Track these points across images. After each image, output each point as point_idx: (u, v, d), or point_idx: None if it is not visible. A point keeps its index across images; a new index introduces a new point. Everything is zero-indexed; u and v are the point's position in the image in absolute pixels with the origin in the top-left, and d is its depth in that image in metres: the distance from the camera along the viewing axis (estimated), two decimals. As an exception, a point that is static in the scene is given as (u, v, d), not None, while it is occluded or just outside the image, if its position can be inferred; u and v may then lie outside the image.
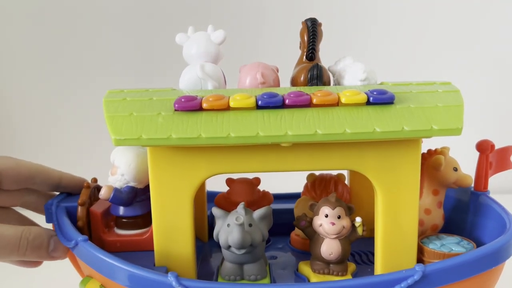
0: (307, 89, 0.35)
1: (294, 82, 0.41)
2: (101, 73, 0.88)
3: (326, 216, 0.36)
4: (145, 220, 0.39)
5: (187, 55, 0.41)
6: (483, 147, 0.41)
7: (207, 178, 0.34)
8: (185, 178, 0.34)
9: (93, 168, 0.67)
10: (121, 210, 0.39)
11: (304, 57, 0.42)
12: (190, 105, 0.33)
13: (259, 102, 0.33)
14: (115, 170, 0.38)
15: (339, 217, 0.36)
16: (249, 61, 0.41)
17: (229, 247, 0.34)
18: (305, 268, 0.38)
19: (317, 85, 0.38)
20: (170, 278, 0.30)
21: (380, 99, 0.33)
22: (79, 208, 0.38)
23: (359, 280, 0.32)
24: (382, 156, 0.34)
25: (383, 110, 0.33)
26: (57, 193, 0.41)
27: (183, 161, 0.33)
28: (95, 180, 0.41)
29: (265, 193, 0.45)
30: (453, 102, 0.34)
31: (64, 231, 0.35)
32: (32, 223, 0.40)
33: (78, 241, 0.33)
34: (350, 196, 0.45)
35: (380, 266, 0.35)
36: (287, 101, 0.33)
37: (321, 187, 0.44)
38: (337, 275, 0.36)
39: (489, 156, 0.42)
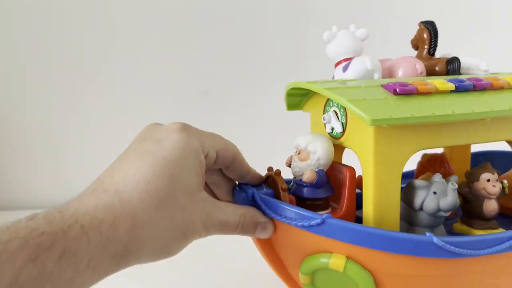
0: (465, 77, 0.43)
1: (428, 72, 0.48)
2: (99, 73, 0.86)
3: (488, 180, 0.43)
4: (325, 202, 0.42)
5: (335, 51, 0.46)
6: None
7: (417, 152, 0.39)
8: (400, 152, 0.38)
9: (93, 167, 0.72)
10: (307, 193, 0.41)
11: (425, 52, 0.49)
12: (409, 89, 0.38)
13: (457, 86, 0.39)
14: (307, 155, 0.41)
15: (496, 180, 0.44)
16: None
17: (438, 211, 0.39)
18: (462, 228, 0.45)
19: (458, 74, 0.46)
20: (432, 238, 0.34)
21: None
22: (283, 193, 0.39)
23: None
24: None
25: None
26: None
27: (400, 137, 0.38)
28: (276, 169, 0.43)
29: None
30: None
31: (292, 213, 0.37)
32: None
33: (324, 218, 0.35)
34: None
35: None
36: (475, 85, 0.40)
37: (437, 164, 0.52)
38: (495, 228, 0.44)
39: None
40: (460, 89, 0.39)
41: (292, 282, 0.43)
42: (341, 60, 0.46)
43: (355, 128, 0.40)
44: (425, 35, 0.49)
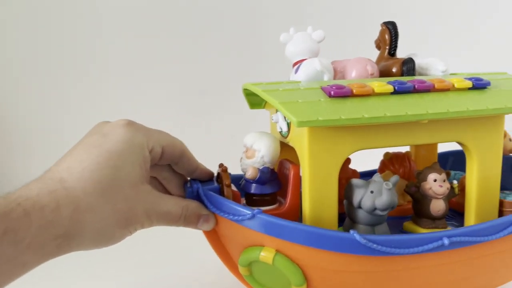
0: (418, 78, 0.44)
1: (385, 73, 0.48)
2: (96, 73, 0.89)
3: (435, 180, 0.44)
4: (273, 198, 0.44)
5: (292, 52, 0.47)
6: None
7: (353, 152, 0.40)
8: (335, 152, 0.40)
9: None
10: (254, 189, 0.43)
11: (386, 53, 0.50)
12: (344, 92, 0.39)
13: (396, 88, 0.40)
14: (252, 153, 0.43)
15: (443, 181, 0.44)
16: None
17: (374, 210, 0.40)
18: (411, 227, 0.46)
19: (412, 75, 0.47)
20: (354, 235, 0.36)
21: (481, 84, 0.42)
22: (226, 189, 0.42)
23: (483, 225, 0.40)
24: (480, 129, 0.43)
25: (484, 93, 0.42)
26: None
27: (334, 138, 0.39)
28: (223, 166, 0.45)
29: (354, 171, 0.52)
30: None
31: (229, 208, 0.39)
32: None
33: (255, 213, 0.37)
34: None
35: (473, 218, 0.45)
36: (416, 87, 0.41)
37: (398, 162, 0.53)
38: (444, 227, 0.45)
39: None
40: (399, 91, 0.40)
41: (238, 272, 0.45)
42: (297, 61, 0.48)
43: (295, 128, 0.41)
44: (386, 36, 0.50)
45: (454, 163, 0.59)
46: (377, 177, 0.42)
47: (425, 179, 0.45)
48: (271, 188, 0.44)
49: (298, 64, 0.47)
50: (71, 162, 0.35)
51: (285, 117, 0.44)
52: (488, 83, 0.42)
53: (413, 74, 0.47)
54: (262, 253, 0.38)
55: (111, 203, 0.35)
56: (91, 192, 0.33)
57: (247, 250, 0.40)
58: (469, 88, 0.42)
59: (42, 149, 0.87)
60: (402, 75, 0.47)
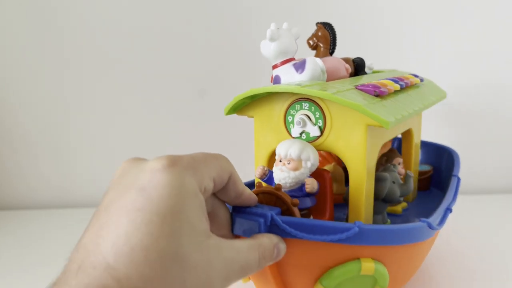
0: (385, 75, 0.49)
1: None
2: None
3: (399, 163, 0.51)
4: (310, 211, 0.41)
5: (281, 50, 0.44)
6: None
7: (380, 146, 0.43)
8: (376, 148, 0.41)
9: (93, 166, 0.84)
10: (310, 202, 0.39)
11: (328, 53, 0.53)
12: (383, 91, 0.40)
13: (400, 86, 0.45)
14: (299, 164, 0.38)
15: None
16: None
17: (399, 198, 0.44)
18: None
19: (365, 73, 0.52)
20: (426, 222, 0.39)
21: (422, 79, 0.52)
22: (295, 209, 0.36)
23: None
24: (418, 116, 0.53)
25: (424, 86, 0.52)
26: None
27: (377, 134, 0.41)
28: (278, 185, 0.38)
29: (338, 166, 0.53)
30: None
31: (325, 228, 0.34)
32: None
33: (358, 225, 0.34)
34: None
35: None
36: (406, 84, 0.46)
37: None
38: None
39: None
40: (402, 88, 0.45)
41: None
42: (284, 61, 0.44)
43: (339, 130, 0.40)
44: (325, 35, 0.53)
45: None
46: (390, 167, 0.45)
47: (391, 163, 0.52)
48: (312, 200, 0.40)
49: (288, 63, 0.44)
50: (113, 238, 0.24)
51: (312, 120, 0.41)
52: (423, 79, 0.53)
53: (365, 73, 0.52)
54: (363, 266, 0.36)
55: (178, 282, 0.25)
56: (151, 277, 0.24)
57: (338, 268, 0.36)
58: (418, 84, 0.52)
59: (42, 149, 0.85)
60: (355, 74, 0.52)
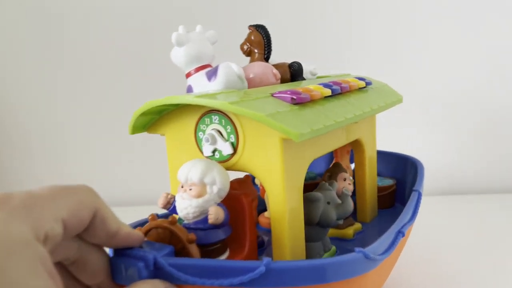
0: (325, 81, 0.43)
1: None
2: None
3: (345, 179, 0.45)
4: (225, 244, 0.34)
5: (192, 56, 0.38)
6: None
7: (311, 161, 0.36)
8: (301, 163, 0.34)
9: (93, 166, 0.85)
10: (208, 237, 0.32)
11: (260, 58, 0.47)
12: (304, 98, 0.34)
13: (332, 91, 0.38)
14: (203, 189, 0.32)
15: (350, 179, 0.46)
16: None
17: (336, 220, 0.37)
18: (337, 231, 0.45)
19: (303, 79, 0.46)
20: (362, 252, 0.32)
21: (368, 83, 0.46)
22: (190, 247, 0.29)
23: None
24: (368, 124, 0.47)
25: (372, 90, 0.46)
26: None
27: (299, 148, 0.34)
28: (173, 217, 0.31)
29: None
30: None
31: (224, 269, 0.27)
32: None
33: (266, 263, 0.28)
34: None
35: (369, 211, 0.48)
36: (341, 89, 0.40)
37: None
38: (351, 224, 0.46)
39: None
40: (334, 94, 0.39)
41: None
42: (198, 68, 0.38)
43: (253, 146, 0.33)
44: (258, 40, 0.47)
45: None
46: (325, 185, 0.39)
47: (336, 179, 0.45)
48: (224, 232, 0.33)
49: (202, 70, 0.38)
50: None
51: (224, 136, 0.35)
52: (370, 83, 0.47)
53: (303, 78, 0.46)
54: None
55: None
56: None
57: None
58: (363, 88, 0.45)
59: (42, 149, 0.87)
60: (292, 80, 0.45)
